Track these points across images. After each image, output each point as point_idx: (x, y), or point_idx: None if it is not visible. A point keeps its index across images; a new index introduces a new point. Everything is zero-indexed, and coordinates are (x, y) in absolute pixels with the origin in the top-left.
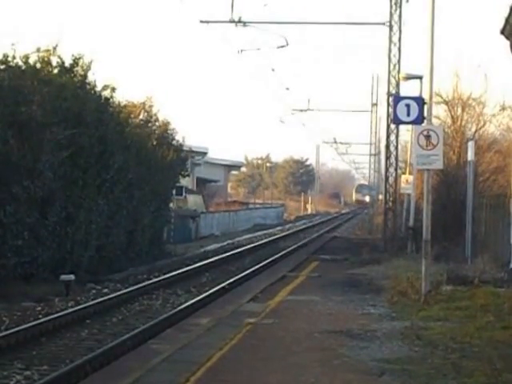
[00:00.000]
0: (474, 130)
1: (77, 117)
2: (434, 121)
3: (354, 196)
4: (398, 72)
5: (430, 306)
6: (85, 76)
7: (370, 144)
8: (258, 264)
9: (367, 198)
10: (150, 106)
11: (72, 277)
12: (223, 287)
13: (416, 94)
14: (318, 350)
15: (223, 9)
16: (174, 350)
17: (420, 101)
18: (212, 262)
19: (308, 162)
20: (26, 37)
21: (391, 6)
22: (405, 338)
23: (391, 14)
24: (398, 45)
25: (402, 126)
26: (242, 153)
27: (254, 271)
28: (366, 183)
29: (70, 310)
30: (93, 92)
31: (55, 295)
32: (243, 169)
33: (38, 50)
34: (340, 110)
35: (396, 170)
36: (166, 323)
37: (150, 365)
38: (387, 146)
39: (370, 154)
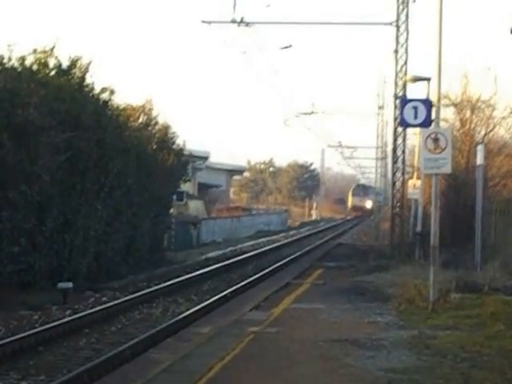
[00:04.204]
0: (483, 133)
1: (75, 120)
2: (442, 124)
3: (350, 201)
4: (405, 74)
5: (438, 315)
6: (83, 78)
7: (377, 148)
8: (261, 271)
9: (368, 204)
10: (150, 109)
11: (70, 284)
12: (225, 295)
13: (423, 96)
14: (323, 360)
15: (225, 9)
16: (174, 359)
17: (428, 103)
18: (214, 269)
19: (313, 167)
20: (23, 38)
21: (398, 6)
22: (412, 347)
23: (398, 14)
24: (405, 46)
25: (409, 130)
26: (244, 157)
27: (256, 279)
28: (367, 183)
29: (68, 319)
30: (91, 94)
31: (52, 303)
32: (246, 173)
33: (35, 52)
34: (345, 113)
35: (403, 174)
36: (166, 332)
37: (150, 375)
38: (394, 150)
39: (377, 158)
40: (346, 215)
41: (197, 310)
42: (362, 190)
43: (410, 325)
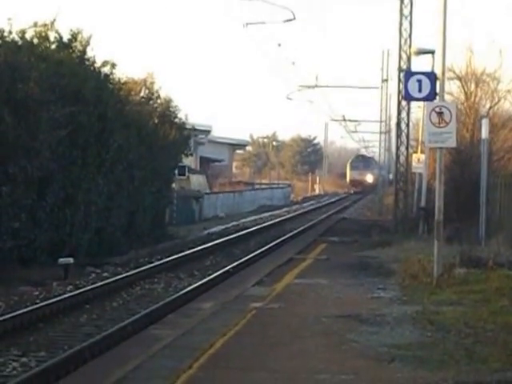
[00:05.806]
0: (488, 106)
1: (75, 94)
2: (447, 97)
3: (349, 174)
4: (410, 46)
5: (442, 290)
6: (84, 52)
7: (380, 122)
8: (263, 246)
9: (369, 178)
10: (152, 83)
11: (71, 260)
12: (227, 271)
13: (428, 69)
14: (326, 336)
15: None
16: (176, 335)
17: (432, 76)
18: (216, 244)
19: (316, 141)
20: (23, 11)
21: None
22: (416, 323)
23: None
24: (409, 18)
25: (413, 103)
26: (247, 131)
27: (259, 254)
28: (367, 154)
29: (69, 295)
30: (92, 68)
31: (53, 279)
32: (248, 148)
33: (35, 25)
34: (349, 87)
35: (407, 148)
36: (168, 308)
37: (152, 351)
38: (398, 124)
39: (380, 132)
40: (349, 189)
41: (199, 286)
42: (362, 161)
43: (413, 300)
